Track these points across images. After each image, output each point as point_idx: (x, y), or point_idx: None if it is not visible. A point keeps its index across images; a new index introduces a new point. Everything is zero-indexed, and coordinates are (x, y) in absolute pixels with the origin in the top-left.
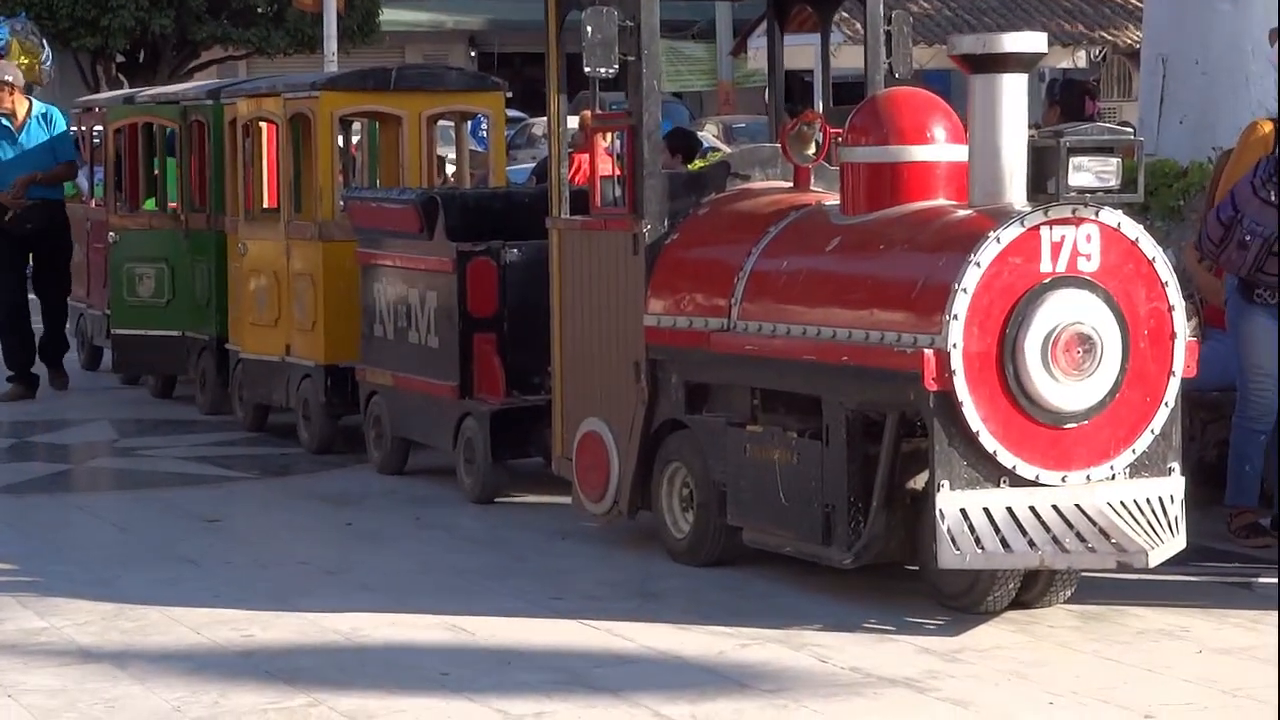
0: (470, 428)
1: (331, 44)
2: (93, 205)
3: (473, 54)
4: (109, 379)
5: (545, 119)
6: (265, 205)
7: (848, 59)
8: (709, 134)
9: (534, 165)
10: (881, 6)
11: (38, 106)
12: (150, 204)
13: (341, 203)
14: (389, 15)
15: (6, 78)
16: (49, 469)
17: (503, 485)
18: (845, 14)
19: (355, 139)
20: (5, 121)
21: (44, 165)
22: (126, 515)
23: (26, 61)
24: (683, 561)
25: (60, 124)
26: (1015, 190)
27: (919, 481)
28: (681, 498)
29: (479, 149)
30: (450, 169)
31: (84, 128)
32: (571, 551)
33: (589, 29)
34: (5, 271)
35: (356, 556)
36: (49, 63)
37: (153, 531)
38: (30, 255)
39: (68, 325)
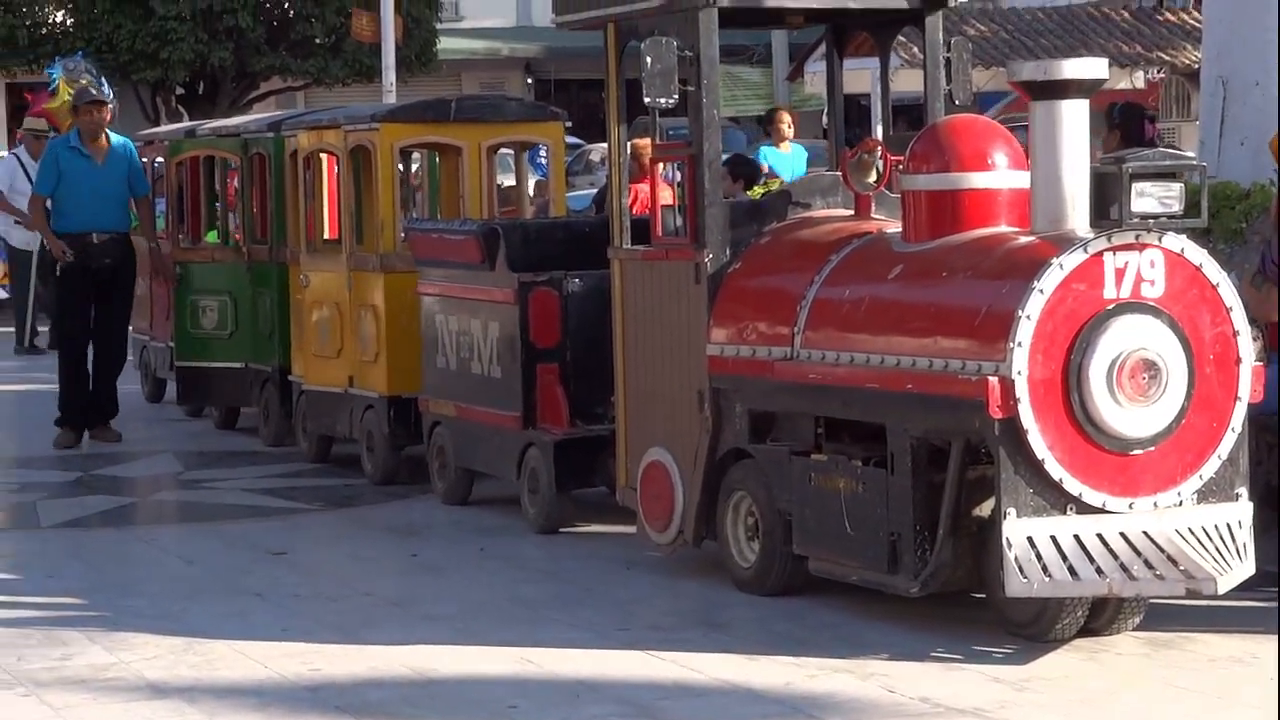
0: (534, 458)
1: (390, 74)
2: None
3: (529, 81)
4: (173, 411)
5: (604, 145)
6: (327, 237)
7: (905, 82)
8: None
9: (595, 193)
10: (940, 32)
11: (114, 138)
12: (212, 236)
13: (403, 234)
14: (446, 44)
15: (100, 94)
16: (113, 502)
17: (567, 515)
18: (903, 38)
19: (415, 168)
20: (85, 151)
21: (120, 199)
22: (192, 548)
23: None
24: (749, 591)
25: (135, 157)
26: (1078, 216)
27: (985, 509)
28: (747, 527)
29: (538, 178)
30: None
31: (145, 160)
32: (637, 581)
33: (648, 59)
34: (74, 305)
35: (422, 588)
36: (110, 101)
37: (219, 564)
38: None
39: (130, 358)
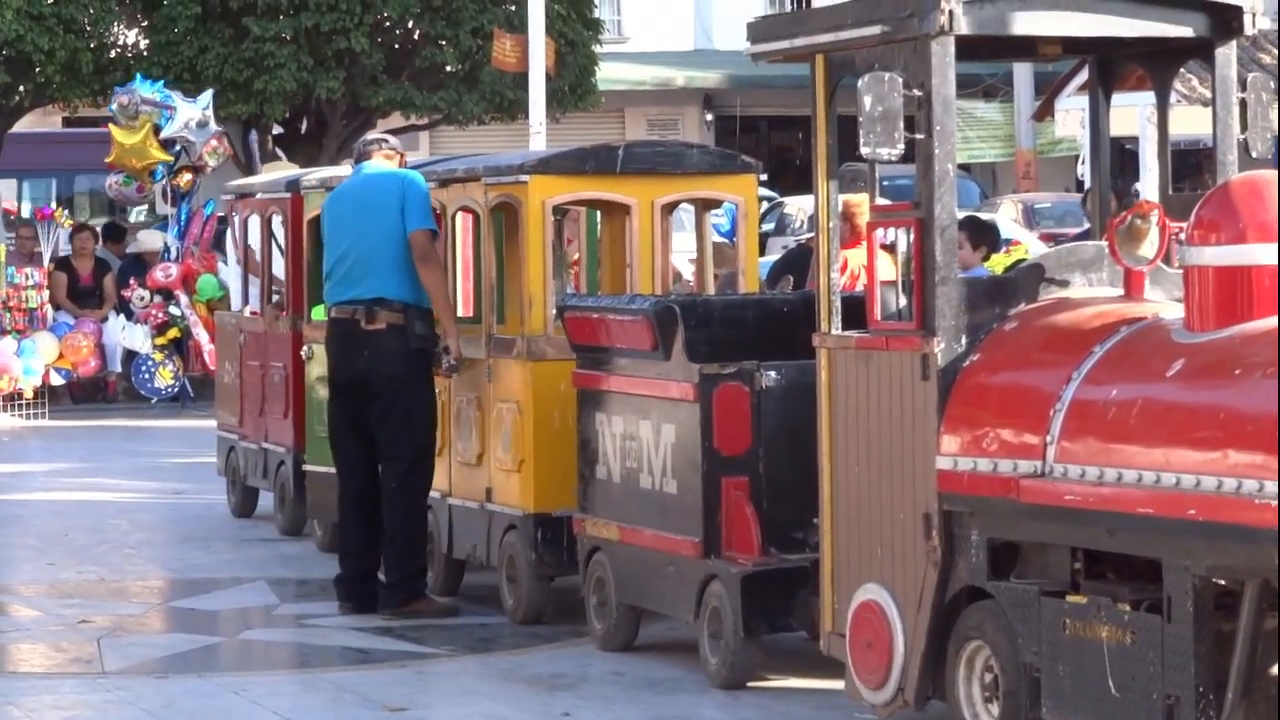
0: (717, 594)
1: (538, 111)
2: (247, 314)
3: (709, 117)
4: (264, 528)
5: (801, 200)
6: (460, 315)
7: (1180, 123)
8: (1005, 217)
9: (773, 263)
10: (1234, 67)
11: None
12: (318, 312)
13: (555, 312)
14: (607, 71)
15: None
16: (195, 642)
17: (757, 666)
18: (1183, 70)
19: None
20: None
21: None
22: (291, 702)
23: (139, 138)
24: None
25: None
26: None
27: None
28: (983, 685)
29: (726, 242)
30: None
31: (235, 218)
32: None
33: (867, 100)
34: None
35: None
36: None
37: None
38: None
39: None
